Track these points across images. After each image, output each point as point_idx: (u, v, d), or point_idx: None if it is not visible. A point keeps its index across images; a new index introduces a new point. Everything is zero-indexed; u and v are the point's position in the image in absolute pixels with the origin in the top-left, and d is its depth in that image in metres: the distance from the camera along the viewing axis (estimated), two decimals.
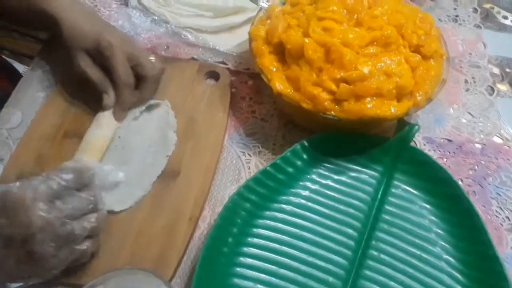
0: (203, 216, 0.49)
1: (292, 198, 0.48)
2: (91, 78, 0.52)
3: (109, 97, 0.52)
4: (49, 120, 0.54)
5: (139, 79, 0.53)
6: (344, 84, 0.46)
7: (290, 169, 0.49)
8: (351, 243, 0.46)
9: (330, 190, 0.49)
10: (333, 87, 0.46)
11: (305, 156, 0.50)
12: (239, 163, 0.54)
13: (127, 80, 0.51)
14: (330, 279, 0.44)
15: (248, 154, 0.54)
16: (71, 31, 0.51)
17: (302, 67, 0.48)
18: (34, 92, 0.58)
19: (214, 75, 0.59)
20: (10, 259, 0.37)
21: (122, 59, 0.50)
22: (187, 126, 0.54)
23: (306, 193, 0.49)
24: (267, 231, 0.46)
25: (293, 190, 0.49)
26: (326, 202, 0.48)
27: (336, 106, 0.47)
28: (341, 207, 0.48)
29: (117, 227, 0.46)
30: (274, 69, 0.50)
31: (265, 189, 0.47)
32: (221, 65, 0.61)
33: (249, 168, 0.53)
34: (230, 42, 0.63)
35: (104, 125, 0.52)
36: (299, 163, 0.50)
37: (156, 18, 0.63)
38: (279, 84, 0.49)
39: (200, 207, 0.49)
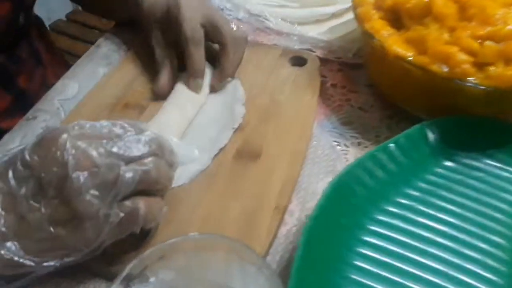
0: (290, 209, 0.37)
1: (415, 193, 0.35)
2: (155, 56, 0.46)
3: (159, 81, 0.44)
4: (109, 91, 0.46)
5: (217, 50, 0.45)
6: (491, 42, 0.36)
7: (413, 153, 0.37)
8: (503, 255, 0.32)
9: (465, 187, 0.36)
10: (475, 45, 0.36)
11: (432, 140, 0.38)
12: (334, 154, 0.42)
13: (194, 35, 0.42)
14: None
15: (345, 144, 0.43)
16: (150, 6, 0.47)
17: (429, 25, 0.38)
18: (95, 67, 0.51)
19: (300, 61, 0.50)
20: (40, 215, 0.27)
21: (190, 16, 0.43)
22: (268, 106, 0.44)
23: (432, 188, 0.36)
24: (385, 230, 0.33)
25: (418, 183, 0.36)
26: (461, 202, 0.35)
27: (479, 72, 0.36)
28: (483, 209, 0.35)
29: (177, 210, 0.35)
30: (387, 34, 0.40)
31: (383, 173, 0.35)
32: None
33: (347, 160, 0.41)
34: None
35: (182, 102, 0.43)
36: (425, 148, 0.37)
37: (236, 2, 0.57)
38: (397, 47, 0.39)
39: (288, 195, 0.37)
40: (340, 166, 0.41)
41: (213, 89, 0.45)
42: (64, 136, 0.27)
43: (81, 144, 0.27)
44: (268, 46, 0.53)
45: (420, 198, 0.35)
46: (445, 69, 0.36)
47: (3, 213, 0.27)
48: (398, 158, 0.36)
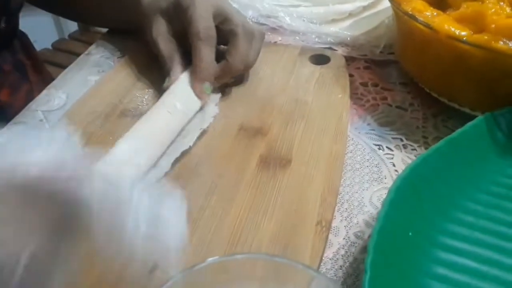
0: (335, 227, 0.29)
1: (486, 196, 0.28)
2: (160, 50, 0.39)
3: (170, 76, 0.37)
4: (103, 99, 0.39)
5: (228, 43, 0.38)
6: None
7: (481, 149, 0.30)
8: None
9: None
10: None
11: (501, 134, 0.31)
12: (377, 159, 0.35)
13: (206, 33, 0.36)
14: None
15: (388, 147, 0.36)
16: None
17: (484, 0, 0.32)
18: (86, 76, 0.44)
19: (322, 59, 0.44)
20: None
21: (203, 10, 0.37)
22: (293, 108, 0.38)
23: (505, 190, 0.29)
24: (457, 241, 0.25)
25: (489, 186, 0.29)
26: None
27: None
28: None
29: (193, 233, 0.27)
30: (432, 14, 0.34)
31: (449, 174, 0.28)
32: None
33: (394, 165, 0.34)
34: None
35: (176, 106, 0.35)
36: (494, 143, 0.31)
37: (244, 2, 0.52)
38: (449, 26, 0.32)
39: (332, 207, 0.29)
40: (387, 173, 0.34)
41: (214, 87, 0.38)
42: None
43: None
44: (284, 46, 0.47)
45: (492, 203, 0.28)
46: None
47: None
48: (465, 155, 0.29)
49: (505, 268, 0.25)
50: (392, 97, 0.41)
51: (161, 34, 0.40)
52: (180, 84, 0.36)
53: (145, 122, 0.33)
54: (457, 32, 0.32)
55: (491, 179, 0.29)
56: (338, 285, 0.17)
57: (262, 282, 0.18)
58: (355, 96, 0.41)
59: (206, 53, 0.37)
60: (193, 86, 0.36)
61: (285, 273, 0.18)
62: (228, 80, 0.39)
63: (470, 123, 0.30)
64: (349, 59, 0.45)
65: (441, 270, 0.24)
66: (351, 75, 0.44)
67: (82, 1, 0.50)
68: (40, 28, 0.59)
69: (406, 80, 0.43)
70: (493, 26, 0.31)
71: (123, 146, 0.30)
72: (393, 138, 0.37)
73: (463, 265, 0.25)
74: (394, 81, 0.43)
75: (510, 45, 0.30)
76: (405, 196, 0.25)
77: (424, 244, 0.25)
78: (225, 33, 0.38)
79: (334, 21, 0.52)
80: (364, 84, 0.43)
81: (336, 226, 0.30)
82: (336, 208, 0.30)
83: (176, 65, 0.38)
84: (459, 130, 0.30)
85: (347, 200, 0.31)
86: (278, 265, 0.18)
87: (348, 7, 0.53)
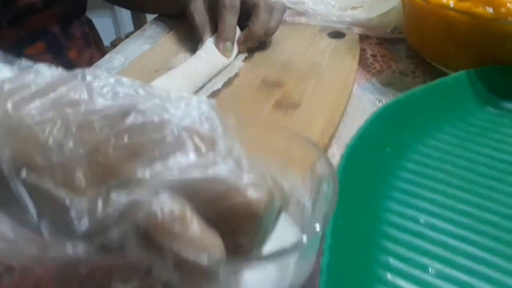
0: (331, 153, 0.36)
1: (455, 130, 0.34)
2: (195, 21, 0.48)
3: (201, 44, 0.45)
4: (153, 59, 0.48)
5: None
6: None
7: (458, 95, 0.36)
8: None
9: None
10: None
11: (477, 87, 0.36)
12: (374, 109, 0.41)
13: (230, 2, 0.45)
14: None
15: (387, 102, 0.42)
16: None
17: None
18: (141, 45, 0.54)
19: (338, 35, 0.51)
20: None
21: None
22: (309, 69, 0.45)
23: (473, 129, 0.34)
24: (431, 160, 0.31)
25: (459, 123, 0.35)
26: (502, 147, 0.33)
27: None
28: None
29: None
30: None
31: (428, 108, 0.34)
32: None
33: None
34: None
35: (203, 56, 0.44)
36: (470, 93, 0.36)
37: None
38: None
39: (329, 135, 0.36)
40: None
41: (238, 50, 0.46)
42: None
43: None
44: (306, 25, 0.54)
45: (463, 136, 0.33)
46: (490, 10, 0.35)
47: None
48: (443, 98, 0.35)
49: (467, 180, 0.30)
50: (397, 65, 0.47)
51: (197, 9, 0.49)
52: (208, 44, 0.45)
53: (178, 69, 0.41)
54: (444, 1, 0.38)
55: (465, 120, 0.35)
56: (335, 174, 0.22)
57: (272, 151, 0.25)
58: (364, 65, 0.48)
59: (228, 18, 0.45)
60: (216, 45, 0.45)
61: (295, 150, 0.24)
62: (252, 45, 0.47)
63: (452, 75, 0.36)
64: (363, 37, 0.52)
65: (408, 176, 0.30)
66: (363, 49, 0.50)
67: None
68: (100, 28, 0.70)
69: (412, 54, 0.49)
70: None
71: (158, 81, 0.39)
72: (392, 95, 0.43)
73: (429, 175, 0.30)
74: (402, 55, 0.49)
75: (488, 9, 0.36)
76: (385, 120, 0.32)
77: (396, 158, 0.31)
78: (249, 7, 0.46)
79: (353, 8, 0.59)
80: (374, 56, 0.49)
81: (333, 153, 0.36)
82: (335, 140, 0.37)
83: (207, 33, 0.46)
84: (441, 79, 0.36)
85: (345, 135, 0.38)
86: (293, 138, 0.24)
87: None
